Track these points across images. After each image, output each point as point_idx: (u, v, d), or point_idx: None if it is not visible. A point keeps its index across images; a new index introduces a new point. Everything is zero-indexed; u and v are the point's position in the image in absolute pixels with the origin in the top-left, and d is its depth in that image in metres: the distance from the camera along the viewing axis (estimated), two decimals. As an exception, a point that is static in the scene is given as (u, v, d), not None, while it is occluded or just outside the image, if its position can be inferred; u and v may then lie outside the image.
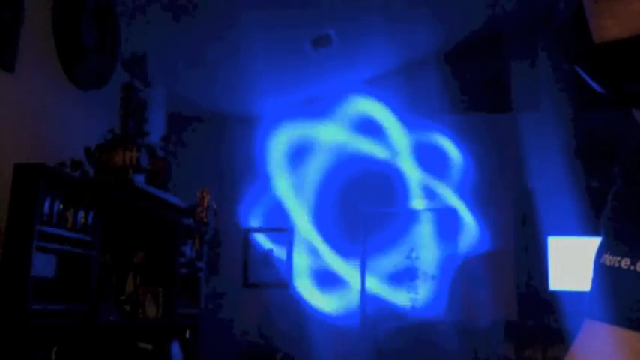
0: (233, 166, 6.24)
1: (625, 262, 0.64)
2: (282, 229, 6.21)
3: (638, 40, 0.44)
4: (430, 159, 6.08)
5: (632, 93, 0.47)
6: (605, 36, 0.47)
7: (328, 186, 6.18)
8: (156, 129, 4.53)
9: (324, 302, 6.04)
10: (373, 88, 6.15)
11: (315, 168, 6.25)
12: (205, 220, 4.51)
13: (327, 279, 6.08)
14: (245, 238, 6.25)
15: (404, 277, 5.97)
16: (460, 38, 5.94)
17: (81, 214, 3.14)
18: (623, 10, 0.45)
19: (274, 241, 6.22)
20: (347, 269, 6.06)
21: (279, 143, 6.32)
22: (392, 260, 5.99)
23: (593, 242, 0.70)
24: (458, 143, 6.03)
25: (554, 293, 5.45)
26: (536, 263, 5.65)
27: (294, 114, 6.30)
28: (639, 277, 0.63)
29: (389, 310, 5.92)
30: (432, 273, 5.95)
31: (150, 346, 3.88)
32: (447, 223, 5.97)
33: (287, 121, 6.32)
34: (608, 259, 0.66)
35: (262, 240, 6.24)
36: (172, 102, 5.18)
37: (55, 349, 3.00)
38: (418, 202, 6.05)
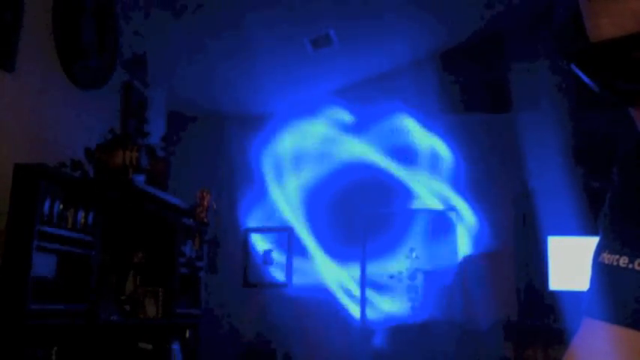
0: (233, 166, 6.24)
1: (623, 261, 0.64)
2: (281, 229, 6.21)
3: (633, 39, 0.44)
4: (430, 159, 6.08)
5: (627, 92, 0.48)
6: (600, 35, 0.47)
7: (327, 186, 6.18)
8: (156, 129, 4.53)
9: (324, 302, 6.04)
10: (373, 88, 6.15)
11: (315, 168, 6.25)
12: (205, 220, 4.51)
13: (326, 279, 6.08)
14: (245, 238, 6.25)
15: (404, 277, 5.96)
16: (460, 38, 5.95)
17: (81, 214, 3.14)
18: (618, 9, 0.45)
19: (274, 241, 6.22)
20: (347, 269, 6.06)
21: (278, 143, 6.32)
22: (392, 260, 5.99)
23: (593, 242, 0.70)
24: (458, 143, 6.03)
25: (554, 293, 5.45)
26: (536, 263, 5.65)
27: (293, 114, 6.30)
28: (637, 276, 0.63)
29: (389, 310, 5.92)
30: (432, 273, 5.95)
31: (150, 346, 3.88)
32: (446, 223, 5.97)
33: (286, 121, 6.32)
34: (607, 257, 0.66)
35: (262, 240, 6.24)
36: (172, 102, 5.18)
37: (55, 349, 3.00)
38: (418, 203, 6.05)
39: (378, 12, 4.99)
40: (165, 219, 4.11)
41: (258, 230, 6.26)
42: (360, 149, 6.21)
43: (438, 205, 6.03)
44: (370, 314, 5.96)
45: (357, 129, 6.24)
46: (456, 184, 6.01)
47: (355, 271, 6.04)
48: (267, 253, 6.22)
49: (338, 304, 6.02)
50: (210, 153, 6.19)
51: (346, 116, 6.26)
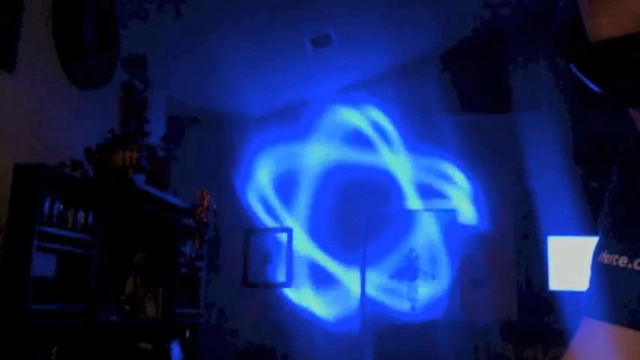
0: (233, 166, 6.24)
1: (623, 261, 0.64)
2: (282, 229, 6.21)
3: (632, 38, 0.44)
4: (430, 159, 6.07)
5: (626, 91, 0.48)
6: (599, 35, 0.47)
7: (327, 186, 6.18)
8: (156, 129, 4.53)
9: (324, 302, 6.04)
10: (373, 88, 6.15)
11: (314, 168, 6.25)
12: (205, 220, 4.51)
13: (327, 279, 6.07)
14: (245, 238, 6.25)
15: (404, 277, 5.97)
16: (460, 38, 5.95)
17: (81, 214, 3.14)
18: (618, 9, 0.45)
19: (274, 241, 6.22)
20: (347, 269, 6.06)
21: (278, 143, 6.32)
22: (392, 260, 6.00)
23: (593, 242, 0.70)
24: (458, 144, 6.02)
25: (554, 293, 5.45)
26: (536, 263, 5.65)
27: (293, 114, 6.30)
28: (637, 276, 0.63)
29: (389, 310, 5.92)
30: (432, 273, 5.95)
31: (150, 346, 3.88)
32: (446, 223, 5.97)
33: (286, 121, 6.31)
34: (606, 257, 0.66)
35: (262, 240, 6.24)
36: (172, 102, 5.18)
37: (55, 349, 3.00)
38: (418, 203, 6.05)
39: (378, 12, 4.99)
40: (166, 219, 4.12)
41: (258, 230, 6.26)
42: (359, 149, 6.20)
43: (438, 205, 6.03)
44: (370, 314, 5.95)
45: (355, 128, 6.23)
46: (456, 184, 6.01)
47: (355, 270, 6.04)
48: (267, 253, 6.22)
49: (337, 303, 6.02)
50: (210, 153, 6.19)
51: (346, 117, 6.26)
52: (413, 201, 6.06)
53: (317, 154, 6.25)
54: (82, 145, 3.46)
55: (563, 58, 0.49)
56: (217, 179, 5.90)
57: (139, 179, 3.59)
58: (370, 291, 6.00)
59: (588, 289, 0.69)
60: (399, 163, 6.14)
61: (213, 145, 6.21)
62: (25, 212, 2.86)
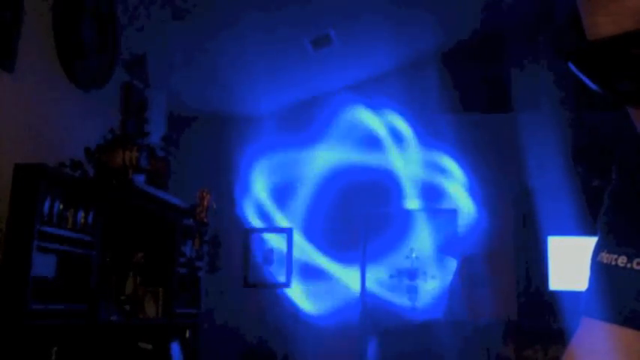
0: (233, 166, 6.24)
1: (622, 260, 0.64)
2: (282, 229, 6.21)
3: (631, 36, 0.44)
4: (430, 159, 6.07)
5: (625, 91, 0.48)
6: (598, 33, 0.47)
7: (327, 186, 6.18)
8: (156, 129, 4.53)
9: (324, 302, 6.04)
10: (373, 88, 6.14)
11: (314, 168, 6.24)
12: (205, 220, 4.51)
13: (327, 279, 6.07)
14: (245, 238, 6.25)
15: (404, 277, 5.97)
16: (460, 38, 5.95)
17: (81, 214, 3.15)
18: (616, 7, 0.45)
19: (274, 241, 6.22)
20: (347, 269, 6.05)
21: (278, 143, 6.32)
22: (392, 261, 5.99)
23: (593, 242, 0.70)
24: (458, 143, 6.02)
25: (554, 293, 5.45)
26: (536, 263, 5.65)
27: (293, 114, 6.30)
28: (636, 275, 0.63)
29: (389, 310, 5.92)
30: (432, 273, 5.95)
31: (150, 346, 3.88)
32: (446, 222, 5.97)
33: (286, 121, 6.31)
34: (605, 257, 0.66)
35: (262, 240, 6.24)
36: (172, 102, 5.18)
37: (55, 349, 3.00)
38: (418, 203, 6.05)
39: (378, 12, 4.99)
40: (165, 219, 4.12)
41: (258, 230, 6.26)
42: (359, 149, 6.20)
43: (438, 205, 6.02)
44: (370, 314, 5.95)
45: (355, 128, 6.23)
46: (457, 184, 6.01)
47: (355, 270, 6.03)
48: (267, 253, 6.21)
49: (338, 304, 6.02)
50: (210, 153, 6.19)
51: (345, 115, 6.26)
52: (413, 200, 6.06)
53: (317, 154, 6.25)
54: (82, 145, 3.46)
55: (562, 57, 0.49)
56: (217, 179, 5.90)
57: (139, 179, 3.59)
58: (370, 291, 6.00)
59: (588, 289, 0.69)
60: (398, 162, 6.13)
61: (213, 145, 6.21)
62: (25, 212, 2.86)
